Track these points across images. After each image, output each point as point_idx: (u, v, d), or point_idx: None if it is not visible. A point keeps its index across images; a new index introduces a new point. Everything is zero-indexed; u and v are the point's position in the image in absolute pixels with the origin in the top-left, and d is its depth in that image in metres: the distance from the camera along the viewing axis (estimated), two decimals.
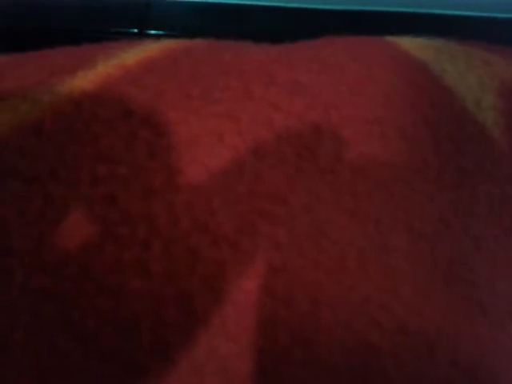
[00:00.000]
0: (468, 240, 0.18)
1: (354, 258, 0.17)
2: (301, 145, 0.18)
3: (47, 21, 0.31)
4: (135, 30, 0.30)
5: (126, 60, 0.20)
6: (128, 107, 0.18)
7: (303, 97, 0.19)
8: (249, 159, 0.18)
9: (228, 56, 0.20)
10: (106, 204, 0.16)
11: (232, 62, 0.20)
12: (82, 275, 0.16)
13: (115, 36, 0.30)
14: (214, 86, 0.19)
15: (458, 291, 0.17)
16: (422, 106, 0.20)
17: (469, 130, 0.20)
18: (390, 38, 0.23)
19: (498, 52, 0.23)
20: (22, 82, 0.18)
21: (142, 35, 0.30)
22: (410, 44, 0.22)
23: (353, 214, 0.18)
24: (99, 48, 0.21)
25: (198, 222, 0.16)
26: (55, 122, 0.17)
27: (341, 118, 0.19)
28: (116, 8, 0.30)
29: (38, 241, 0.16)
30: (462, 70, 0.21)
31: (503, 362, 0.17)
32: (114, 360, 0.15)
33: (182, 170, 0.17)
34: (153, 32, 0.29)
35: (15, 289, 0.16)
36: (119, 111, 0.18)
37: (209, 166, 0.17)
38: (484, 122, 0.20)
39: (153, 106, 0.18)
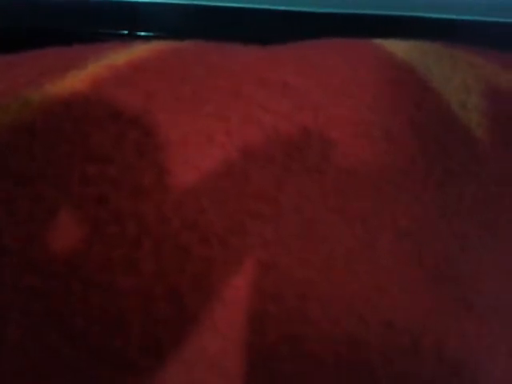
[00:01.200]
0: (454, 239, 0.19)
1: (342, 256, 0.17)
2: (289, 145, 0.19)
3: (37, 22, 0.31)
4: (125, 32, 0.30)
5: (116, 60, 0.20)
6: (117, 107, 0.18)
7: (291, 98, 0.20)
8: (238, 159, 0.18)
9: (217, 57, 0.21)
10: (96, 203, 0.17)
11: (221, 63, 0.20)
12: (71, 274, 0.16)
13: (105, 37, 0.30)
14: (204, 86, 0.19)
15: (444, 289, 0.18)
16: (407, 107, 0.21)
17: (454, 131, 0.21)
18: (376, 41, 0.23)
19: (482, 55, 0.23)
20: (12, 83, 0.19)
21: (132, 37, 0.30)
22: (396, 46, 0.23)
23: (340, 214, 0.18)
24: (90, 49, 0.21)
25: (188, 221, 0.17)
26: (45, 121, 0.17)
27: (328, 119, 0.19)
28: (106, 9, 0.30)
29: (27, 240, 0.16)
30: (448, 72, 0.22)
31: (487, 357, 0.17)
32: (105, 357, 0.15)
33: (171, 169, 0.17)
34: (143, 34, 0.30)
35: (6, 287, 0.16)
36: (109, 111, 0.18)
37: (198, 165, 0.18)
38: (469, 123, 0.21)
39: (142, 106, 0.18)
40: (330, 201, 0.18)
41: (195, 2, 0.30)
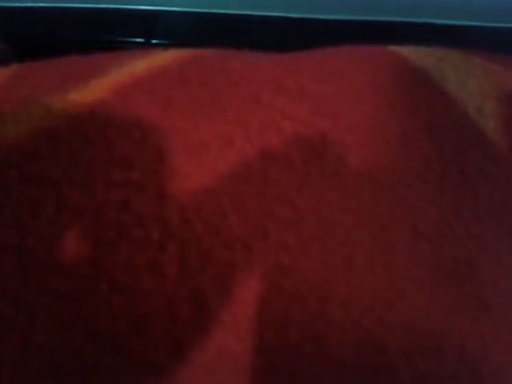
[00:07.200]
0: (471, 241, 0.19)
1: (361, 259, 0.17)
2: (307, 150, 0.19)
3: (55, 30, 0.31)
4: (141, 40, 0.30)
5: (137, 68, 0.20)
6: (139, 114, 0.18)
7: (310, 104, 0.20)
8: (257, 163, 0.18)
9: (236, 64, 0.21)
10: (120, 207, 0.17)
11: (240, 71, 0.21)
12: (96, 276, 0.16)
13: (121, 45, 0.30)
14: (223, 93, 0.20)
15: (462, 290, 0.18)
16: (423, 111, 0.21)
17: (470, 135, 0.21)
18: (392, 47, 0.23)
19: (498, 61, 0.23)
20: (36, 90, 0.19)
21: (148, 45, 0.30)
22: (412, 53, 0.23)
23: (359, 217, 0.18)
24: (111, 57, 0.21)
25: (211, 225, 0.17)
26: (69, 128, 0.18)
27: (345, 125, 0.20)
28: (123, 18, 0.31)
29: (52, 243, 0.16)
30: (463, 78, 0.22)
31: (506, 357, 0.17)
32: (128, 358, 0.16)
33: (192, 174, 0.18)
34: (159, 42, 0.30)
35: (32, 289, 0.16)
36: (131, 118, 0.18)
37: (219, 170, 0.18)
38: (485, 127, 0.21)
39: (163, 113, 0.19)
40: (348, 204, 0.18)
41: (211, 11, 0.30)
